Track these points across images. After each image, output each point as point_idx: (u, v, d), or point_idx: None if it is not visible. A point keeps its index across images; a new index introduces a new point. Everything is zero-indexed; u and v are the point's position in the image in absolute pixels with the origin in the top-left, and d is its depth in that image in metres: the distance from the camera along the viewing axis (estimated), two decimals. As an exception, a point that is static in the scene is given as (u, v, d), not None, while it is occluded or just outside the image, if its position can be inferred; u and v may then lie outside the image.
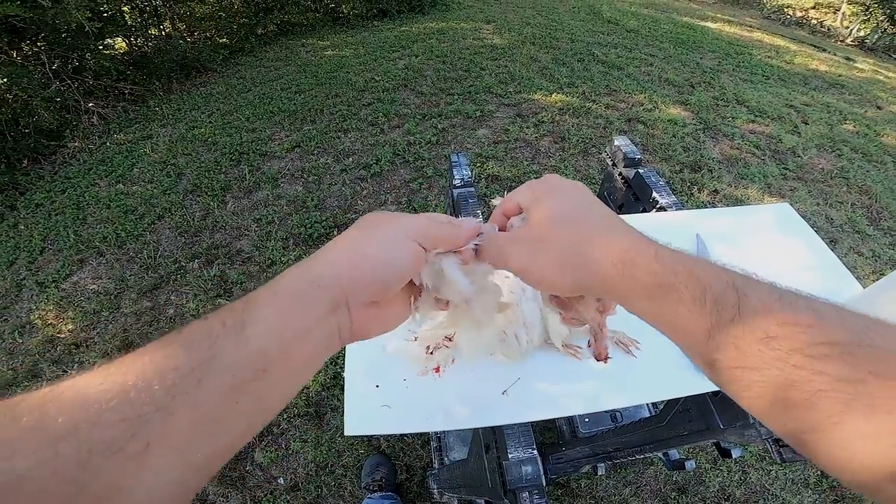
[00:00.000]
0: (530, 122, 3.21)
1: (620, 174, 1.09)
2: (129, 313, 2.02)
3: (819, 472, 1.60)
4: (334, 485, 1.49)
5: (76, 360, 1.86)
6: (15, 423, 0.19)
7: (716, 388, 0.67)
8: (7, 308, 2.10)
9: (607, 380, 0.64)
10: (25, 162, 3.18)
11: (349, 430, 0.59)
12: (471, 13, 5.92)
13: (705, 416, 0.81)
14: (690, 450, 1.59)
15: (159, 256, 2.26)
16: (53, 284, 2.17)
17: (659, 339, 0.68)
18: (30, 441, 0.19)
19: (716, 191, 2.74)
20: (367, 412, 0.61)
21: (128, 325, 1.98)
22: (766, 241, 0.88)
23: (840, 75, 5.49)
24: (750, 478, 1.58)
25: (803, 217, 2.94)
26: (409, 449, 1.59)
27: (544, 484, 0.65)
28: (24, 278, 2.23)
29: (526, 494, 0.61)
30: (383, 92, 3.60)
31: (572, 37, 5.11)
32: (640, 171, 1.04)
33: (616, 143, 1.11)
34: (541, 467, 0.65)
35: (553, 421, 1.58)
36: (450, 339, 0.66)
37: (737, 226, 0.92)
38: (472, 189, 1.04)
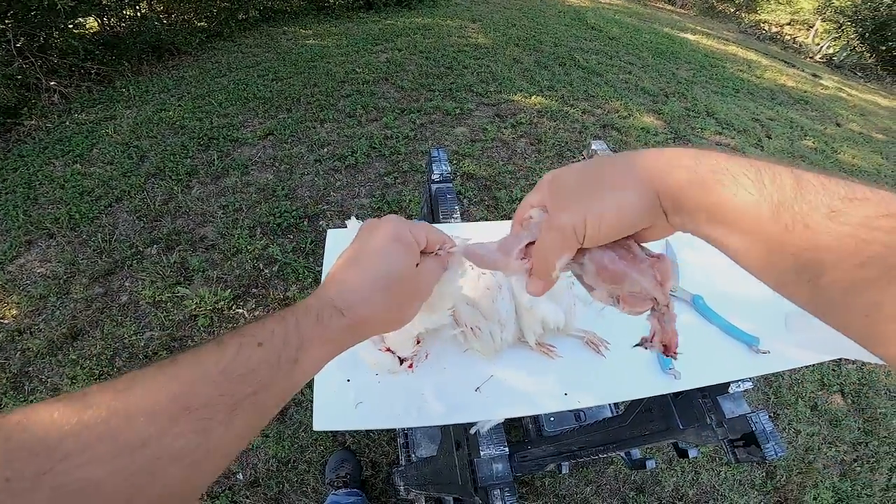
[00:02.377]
0: (508, 123, 3.23)
1: None
2: (78, 299, 1.92)
3: (764, 474, 1.67)
4: (297, 480, 1.45)
5: (19, 347, 1.75)
6: (88, 431, 0.21)
7: (678, 390, 0.69)
8: None
9: (578, 379, 0.65)
10: (-24, 139, 3.00)
11: (318, 425, 0.58)
12: (458, 11, 5.92)
13: (666, 417, 0.84)
14: (648, 450, 1.63)
15: (115, 240, 2.16)
16: None
17: (623, 341, 0.69)
18: (105, 450, 0.21)
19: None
20: (338, 407, 0.60)
21: (77, 311, 1.87)
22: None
23: (805, 91, 5.75)
24: (702, 478, 1.63)
25: None
26: (375, 445, 1.57)
27: (513, 480, 0.65)
28: None
29: (497, 492, 0.61)
30: (363, 84, 3.55)
31: (556, 41, 5.17)
32: None
33: (593, 146, 1.13)
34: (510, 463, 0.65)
35: (519, 419, 1.59)
36: (419, 342, 0.66)
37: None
38: (451, 185, 1.04)
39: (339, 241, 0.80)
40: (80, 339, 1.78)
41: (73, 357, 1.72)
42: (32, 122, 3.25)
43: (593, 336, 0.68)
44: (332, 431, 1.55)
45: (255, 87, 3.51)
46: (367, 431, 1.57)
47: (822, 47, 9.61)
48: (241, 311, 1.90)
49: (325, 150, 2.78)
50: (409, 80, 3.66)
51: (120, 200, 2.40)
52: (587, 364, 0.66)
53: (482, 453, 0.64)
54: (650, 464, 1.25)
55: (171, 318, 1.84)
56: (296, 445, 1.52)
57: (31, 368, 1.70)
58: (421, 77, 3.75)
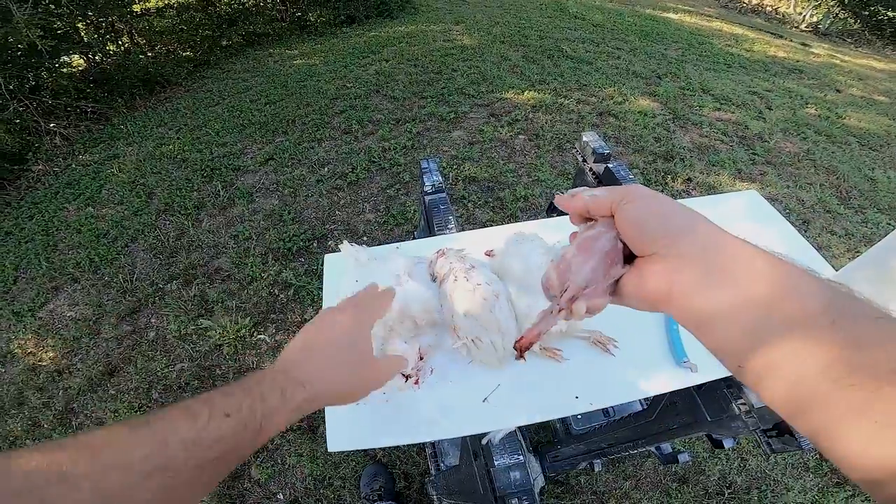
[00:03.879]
0: (504, 122, 3.23)
1: (591, 170, 1.10)
2: (109, 338, 1.96)
3: (818, 456, 1.65)
4: (334, 497, 1.47)
5: (60, 386, 1.82)
6: (69, 479, 0.24)
7: (700, 382, 0.69)
8: None
9: (589, 380, 0.64)
10: (-11, 189, 3.05)
11: (332, 446, 0.59)
12: (439, 15, 5.93)
13: (692, 410, 0.83)
14: (687, 441, 1.62)
15: (136, 279, 2.20)
16: (30, 313, 2.11)
17: (636, 336, 0.69)
18: (84, 497, 0.23)
19: (689, 179, 2.80)
20: (350, 427, 0.61)
21: (110, 349, 1.92)
22: (737, 229, 0.90)
23: (798, 61, 5.70)
24: (749, 465, 1.60)
25: (775, 200, 3.01)
26: (406, 457, 1.58)
27: (536, 488, 0.65)
28: (0, 308, 2.14)
29: (515, 501, 0.61)
30: (355, 99, 3.57)
31: (541, 34, 5.17)
32: (609, 165, 1.05)
33: (585, 138, 1.11)
34: (530, 472, 0.65)
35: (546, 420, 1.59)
36: (421, 358, 0.66)
37: (706, 215, 0.94)
38: (444, 195, 1.03)
39: (335, 266, 0.82)
40: (116, 376, 1.83)
41: (112, 392, 1.77)
42: (39, 166, 3.30)
43: (600, 335, 0.68)
44: (365, 451, 1.57)
45: (250, 112, 3.54)
46: (397, 444, 1.58)
47: (804, 16, 9.53)
48: (262, 336, 1.92)
49: (326, 169, 2.80)
50: (400, 90, 3.68)
51: (135, 240, 2.43)
52: (597, 364, 0.66)
53: (497, 463, 0.64)
54: (683, 457, 1.23)
55: (197, 349, 1.87)
56: (329, 462, 1.54)
57: (75, 405, 1.76)
58: (411, 85, 3.76)
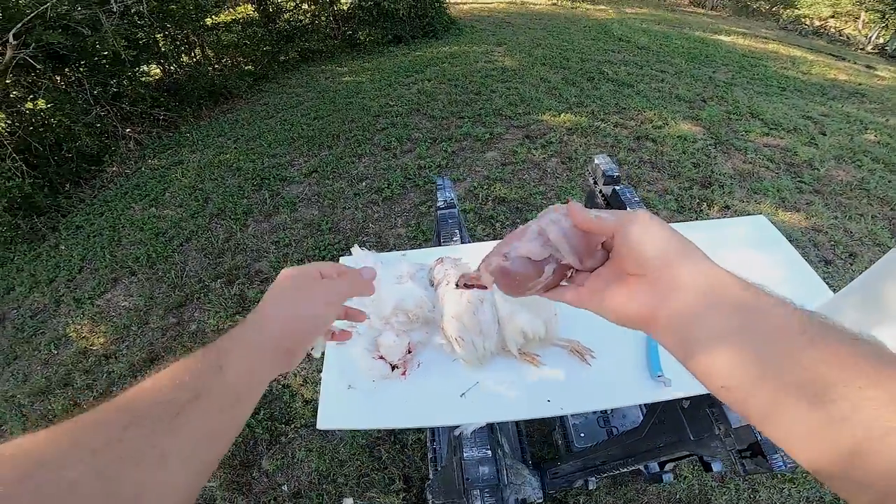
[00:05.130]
0: (538, 144, 3.28)
1: (601, 192, 1.14)
2: (155, 328, 2.16)
3: (834, 495, 1.56)
4: (335, 493, 1.54)
5: (105, 370, 2.01)
6: (60, 439, 0.26)
7: (684, 396, 0.71)
8: (45, 322, 2.29)
9: (562, 386, 0.69)
10: (68, 186, 3.45)
11: (321, 424, 0.67)
12: (483, 36, 6.10)
13: (678, 429, 0.84)
14: (694, 465, 1.58)
15: (185, 276, 2.42)
16: (89, 301, 2.35)
17: (613, 349, 0.73)
18: (76, 455, 0.25)
19: (727, 206, 2.72)
20: (340, 410, 0.69)
21: (154, 339, 2.12)
22: (742, 253, 0.91)
23: (860, 84, 5.37)
24: (760, 496, 1.54)
25: (819, 231, 2.85)
26: (409, 461, 1.63)
27: (518, 495, 0.69)
28: (63, 295, 2.42)
29: (476, 492, 0.65)
30: (396, 117, 3.75)
31: (582, 56, 5.19)
32: (616, 188, 1.09)
33: (596, 161, 1.15)
34: (504, 473, 0.69)
35: (550, 435, 1.60)
36: (410, 351, 0.74)
37: (712, 239, 0.95)
38: (455, 210, 1.12)
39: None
40: (156, 363, 2.01)
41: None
42: (114, 168, 3.69)
43: (577, 345, 0.72)
44: (370, 449, 1.64)
45: (299, 126, 3.80)
46: (401, 447, 1.64)
47: (871, 38, 8.95)
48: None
49: (364, 184, 2.97)
50: (439, 109, 3.83)
51: (189, 240, 2.68)
52: (572, 372, 0.70)
53: (466, 454, 0.68)
54: (667, 477, 1.23)
55: None
56: (336, 460, 1.62)
57: (114, 389, 1.93)
58: (451, 105, 3.90)
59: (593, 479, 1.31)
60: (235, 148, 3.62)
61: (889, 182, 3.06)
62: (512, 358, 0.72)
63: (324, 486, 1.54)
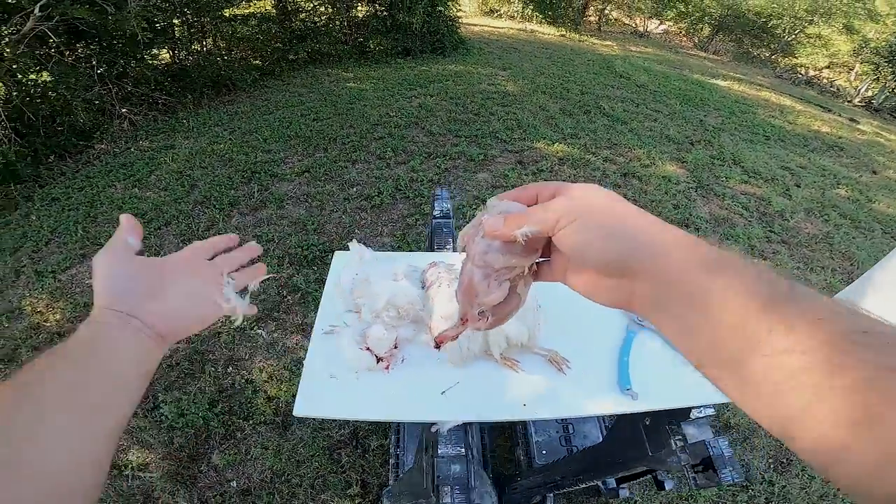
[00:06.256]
0: (529, 170, 3.37)
1: None
2: (119, 311, 2.14)
3: None
4: (287, 493, 1.53)
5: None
6: None
7: (646, 410, 0.75)
8: (0, 292, 2.21)
9: (538, 393, 0.73)
10: (52, 157, 3.38)
11: (298, 411, 0.68)
12: (489, 59, 6.26)
13: (637, 443, 0.88)
14: (645, 488, 1.61)
15: (160, 261, 2.41)
16: (51, 275, 2.28)
17: (589, 360, 0.77)
18: None
19: (701, 250, 2.83)
20: (319, 398, 0.70)
21: (116, 322, 2.09)
22: None
23: (840, 137, 5.63)
24: None
25: None
26: (370, 466, 1.64)
27: (470, 485, 0.71)
28: (24, 266, 2.35)
29: (447, 488, 0.67)
30: (395, 128, 3.82)
31: (582, 89, 5.36)
32: None
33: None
34: (473, 471, 0.72)
35: (513, 451, 1.63)
36: (396, 346, 0.77)
37: None
38: (450, 221, 1.18)
39: (342, 261, 0.95)
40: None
41: None
42: (102, 146, 3.66)
43: (556, 355, 0.76)
44: (330, 452, 1.64)
45: (298, 125, 3.84)
46: (363, 452, 1.65)
47: (860, 90, 9.40)
48: (260, 332, 2.06)
49: (354, 189, 3.01)
50: (437, 125, 3.91)
51: (168, 224, 2.67)
52: (549, 380, 0.74)
53: (441, 451, 0.70)
54: (623, 492, 1.28)
55: (197, 334, 2.02)
56: (293, 460, 1.61)
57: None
58: (449, 122, 3.99)
59: (551, 495, 1.34)
60: (230, 139, 3.64)
61: (853, 238, 3.22)
62: (493, 361, 0.76)
63: (276, 486, 1.54)
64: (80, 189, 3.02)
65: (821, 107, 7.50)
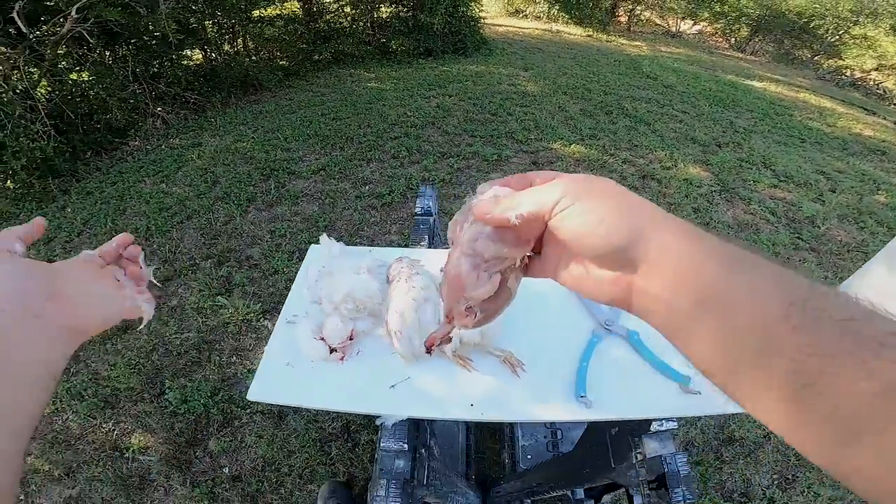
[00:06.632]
0: (543, 169, 3.33)
1: None
2: (139, 299, 2.26)
3: None
4: (276, 481, 1.57)
5: None
6: None
7: (598, 419, 0.73)
8: None
9: (489, 394, 0.72)
10: (89, 153, 3.60)
11: (252, 396, 0.70)
12: (511, 59, 6.21)
13: (603, 454, 0.86)
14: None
15: (178, 252, 2.52)
16: None
17: (545, 364, 0.76)
18: None
19: (720, 256, 2.71)
20: (274, 384, 0.72)
21: (135, 309, 2.21)
22: None
23: (884, 141, 5.27)
24: None
25: None
26: (358, 460, 1.64)
27: (413, 481, 0.71)
28: (57, 255, 2.52)
29: (384, 481, 0.67)
30: (411, 127, 3.85)
31: (605, 89, 5.24)
32: None
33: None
34: (413, 465, 0.72)
35: (499, 453, 1.62)
36: (351, 338, 0.79)
37: None
38: (429, 218, 1.18)
39: (314, 253, 0.98)
40: (129, 333, 2.07)
41: (119, 347, 2.00)
42: (136, 143, 3.86)
43: (510, 356, 0.75)
44: (321, 444, 1.67)
45: (318, 124, 3.93)
46: (353, 446, 1.67)
47: None
48: (266, 323, 2.12)
49: (367, 187, 3.05)
50: (453, 126, 3.91)
51: (190, 218, 2.80)
52: (501, 381, 0.73)
53: (383, 444, 0.71)
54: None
55: (207, 323, 2.10)
56: (284, 450, 1.65)
57: (81, 353, 1.96)
58: (465, 122, 3.99)
59: (528, 501, 1.32)
60: (253, 137, 3.77)
61: (892, 250, 3.01)
62: (447, 359, 0.76)
63: (266, 474, 1.58)
64: (112, 184, 3.20)
65: (864, 109, 7.05)
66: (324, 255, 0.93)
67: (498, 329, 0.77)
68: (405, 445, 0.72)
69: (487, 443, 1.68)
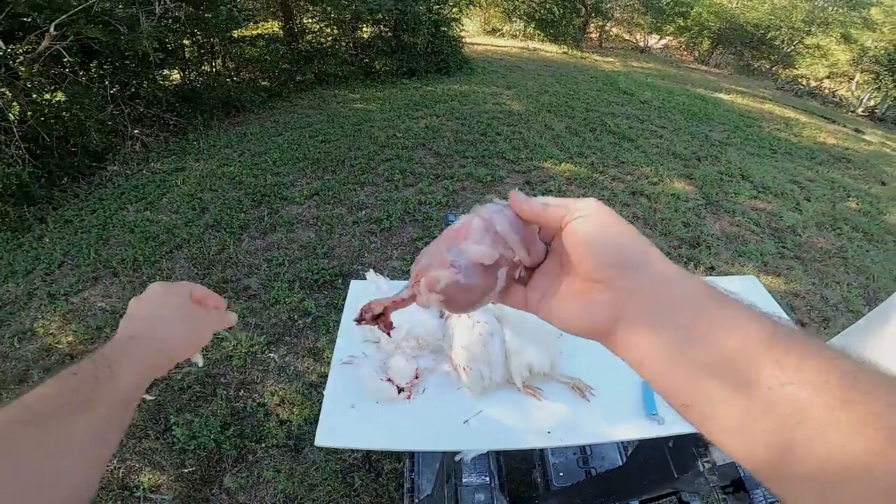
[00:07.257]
0: (538, 190, 3.38)
1: None
2: (133, 335, 2.14)
3: None
4: None
5: None
6: None
7: (666, 435, 0.73)
8: (13, 314, 2.23)
9: (563, 420, 0.72)
10: (65, 179, 3.41)
11: (320, 441, 0.69)
12: (493, 78, 6.34)
13: (662, 466, 0.86)
14: None
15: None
16: (64, 297, 2.31)
17: (612, 386, 0.75)
18: None
19: (712, 267, 2.80)
20: (340, 427, 0.71)
21: (129, 348, 2.09)
22: None
23: (847, 148, 5.61)
24: None
25: (797, 296, 2.93)
26: (383, 490, 1.60)
27: None
28: (37, 288, 2.38)
29: None
30: (402, 149, 3.85)
31: (587, 106, 5.41)
32: None
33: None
34: (497, 498, 0.71)
35: (530, 473, 1.60)
36: (417, 376, 0.77)
37: None
38: None
39: (359, 290, 0.95)
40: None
41: None
42: (115, 167, 3.70)
43: (579, 382, 0.76)
44: (343, 475, 1.62)
45: (306, 147, 3.88)
46: (377, 476, 1.62)
47: (862, 100, 9.41)
48: (272, 355, 2.05)
49: (363, 212, 3.02)
50: (444, 146, 3.94)
51: (180, 248, 2.69)
52: (573, 407, 0.74)
53: (465, 480, 0.71)
54: None
55: (209, 356, 2.01)
56: (305, 483, 1.59)
57: None
58: (456, 143, 4.02)
59: None
60: (240, 161, 3.69)
61: (866, 251, 3.18)
62: (515, 390, 0.76)
63: (288, 514, 1.51)
64: (92, 211, 3.05)
65: (825, 118, 7.51)
66: (370, 291, 0.92)
67: (561, 357, 0.77)
68: (486, 478, 0.71)
69: (514, 463, 1.66)
